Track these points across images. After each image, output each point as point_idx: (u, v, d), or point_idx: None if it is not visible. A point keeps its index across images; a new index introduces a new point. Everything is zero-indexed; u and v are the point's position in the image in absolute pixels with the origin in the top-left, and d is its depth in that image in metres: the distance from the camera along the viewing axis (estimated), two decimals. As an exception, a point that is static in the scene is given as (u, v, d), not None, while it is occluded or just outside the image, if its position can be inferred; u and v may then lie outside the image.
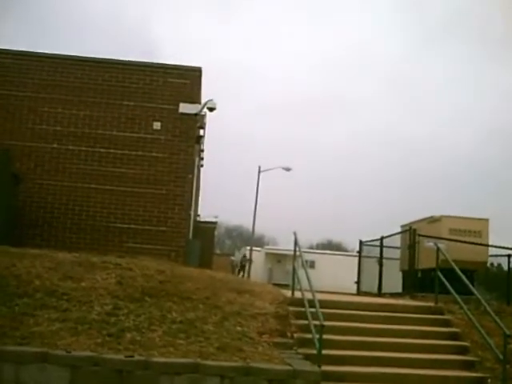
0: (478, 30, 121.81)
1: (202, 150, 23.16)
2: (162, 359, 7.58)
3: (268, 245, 61.24)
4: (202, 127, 20.05)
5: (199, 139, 20.04)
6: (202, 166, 24.92)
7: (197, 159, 20.14)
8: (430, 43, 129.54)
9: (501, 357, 9.09)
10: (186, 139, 17.03)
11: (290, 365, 7.81)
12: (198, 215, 28.41)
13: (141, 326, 8.64)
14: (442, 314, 11.48)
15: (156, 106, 17.00)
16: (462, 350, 10.17)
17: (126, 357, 7.51)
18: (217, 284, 11.08)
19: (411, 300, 13.74)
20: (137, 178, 16.64)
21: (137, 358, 7.51)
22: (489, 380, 9.21)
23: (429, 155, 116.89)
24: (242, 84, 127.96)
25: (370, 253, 18.50)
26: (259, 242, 65.26)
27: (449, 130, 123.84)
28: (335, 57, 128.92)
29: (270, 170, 42.01)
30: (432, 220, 16.54)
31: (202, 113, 18.54)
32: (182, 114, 16.96)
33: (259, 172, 41.82)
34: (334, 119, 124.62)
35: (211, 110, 18.33)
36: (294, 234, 11.56)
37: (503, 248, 15.64)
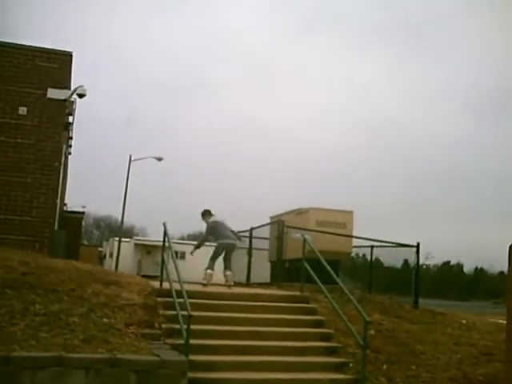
0: (343, 19, 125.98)
1: (71, 138, 22.48)
2: (24, 353, 7.27)
3: (138, 236, 60.55)
4: (71, 114, 19.46)
5: (68, 126, 19.45)
6: (70, 153, 24.19)
7: (64, 146, 19.51)
8: (296, 32, 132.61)
9: (361, 342, 9.52)
10: (54, 125, 16.46)
11: (157, 355, 7.77)
12: (65, 205, 27.57)
13: (0, 320, 8.26)
14: (307, 302, 11.87)
15: (22, 90, 16.29)
16: (326, 337, 10.55)
17: (-17, 353, 7.15)
18: (83, 275, 10.82)
19: (278, 289, 14.07)
20: (0, 166, 15.86)
21: (-4, 353, 7.17)
22: (350, 364, 9.63)
23: (296, 146, 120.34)
24: (111, 71, 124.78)
25: (241, 244, 18.75)
26: (129, 232, 64.44)
27: (310, 119, 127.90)
28: (206, 42, 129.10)
29: (141, 159, 41.44)
30: (300, 212, 17.01)
31: (72, 99, 18.02)
32: (51, 99, 16.36)
33: (130, 161, 41.13)
34: (202, 107, 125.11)
35: (81, 96, 17.87)
36: (164, 224, 11.49)
37: (366, 239, 16.38)
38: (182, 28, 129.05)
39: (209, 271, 14.10)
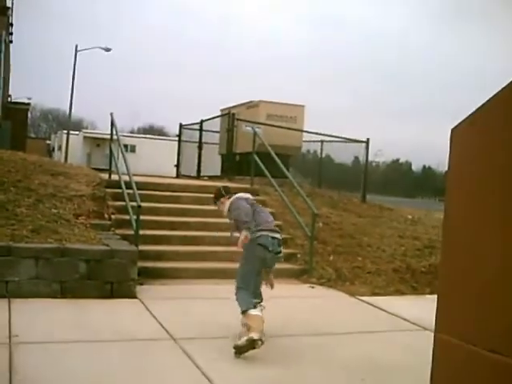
0: None
1: (11, 24, 21.30)
2: (-31, 243, 7.15)
3: (87, 129, 59.46)
4: (8, -4, 18.32)
5: (5, 10, 18.31)
6: (11, 41, 23.00)
7: (4, 33, 18.49)
8: None
9: (309, 234, 9.72)
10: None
11: (107, 245, 7.75)
12: (9, 96, 26.63)
13: None
14: (257, 195, 11.89)
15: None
16: (276, 229, 10.68)
17: None
18: (29, 166, 10.59)
19: (229, 182, 14.07)
20: None
21: None
22: (298, 255, 9.87)
23: (251, 41, 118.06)
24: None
25: (192, 138, 18.52)
26: (78, 125, 63.16)
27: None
28: None
29: (87, 49, 40.02)
30: (250, 105, 16.75)
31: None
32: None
33: (76, 51, 39.66)
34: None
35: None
36: (111, 114, 11.20)
37: (317, 134, 16.32)
38: None
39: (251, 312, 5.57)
